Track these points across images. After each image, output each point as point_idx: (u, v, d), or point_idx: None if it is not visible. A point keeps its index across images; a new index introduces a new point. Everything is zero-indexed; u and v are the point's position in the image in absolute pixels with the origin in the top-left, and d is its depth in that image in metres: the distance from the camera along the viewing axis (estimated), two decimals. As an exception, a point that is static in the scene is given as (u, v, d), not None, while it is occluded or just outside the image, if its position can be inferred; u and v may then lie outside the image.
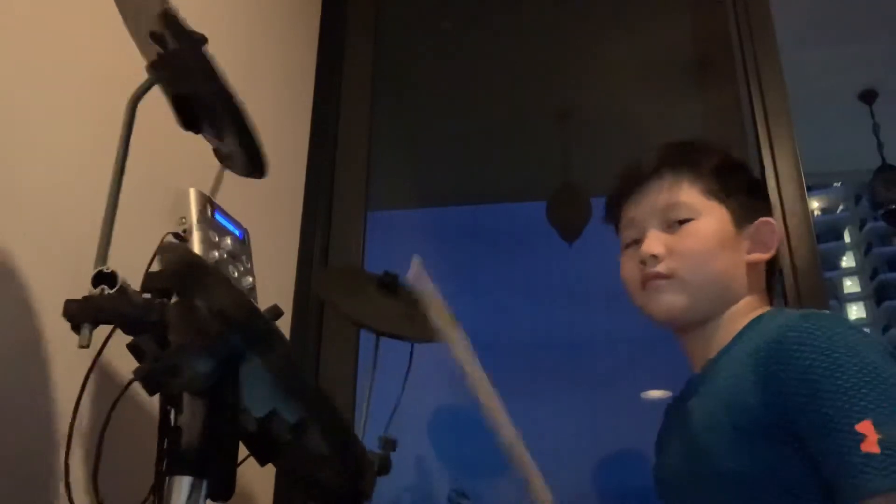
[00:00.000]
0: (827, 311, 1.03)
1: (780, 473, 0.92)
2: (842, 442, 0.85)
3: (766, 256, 1.13)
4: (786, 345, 0.93)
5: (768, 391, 0.93)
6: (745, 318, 1.08)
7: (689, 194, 1.12)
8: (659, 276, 1.10)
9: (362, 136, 2.25)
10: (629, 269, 1.16)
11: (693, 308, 1.10)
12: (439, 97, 3.05)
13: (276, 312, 0.82)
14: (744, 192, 1.15)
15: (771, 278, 1.18)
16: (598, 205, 3.08)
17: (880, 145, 3.83)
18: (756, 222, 1.13)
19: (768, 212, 1.17)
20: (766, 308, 1.12)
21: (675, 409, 1.17)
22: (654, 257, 1.10)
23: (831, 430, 0.86)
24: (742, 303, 1.11)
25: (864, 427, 0.84)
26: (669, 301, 1.10)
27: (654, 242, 1.11)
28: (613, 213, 1.23)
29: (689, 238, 1.10)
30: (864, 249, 31.09)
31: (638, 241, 1.14)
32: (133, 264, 0.91)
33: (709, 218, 1.11)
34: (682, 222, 1.11)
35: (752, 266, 1.12)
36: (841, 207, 31.75)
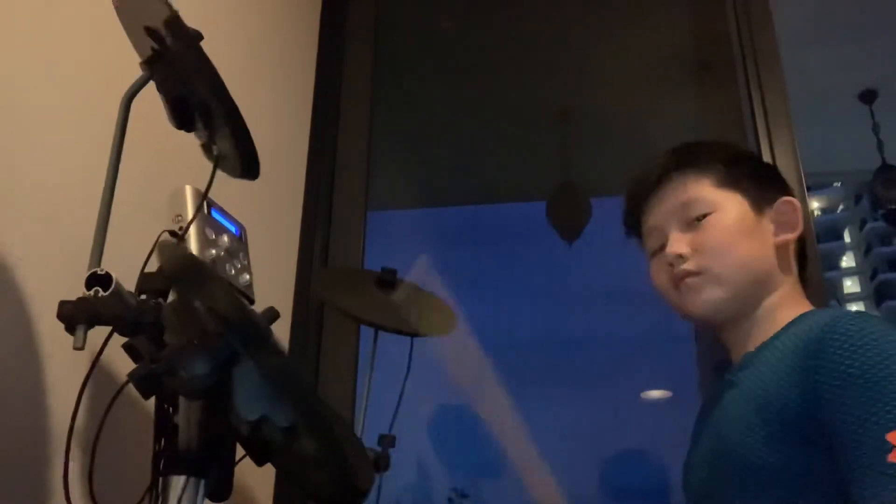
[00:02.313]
0: (876, 315, 1.01)
1: (807, 471, 0.91)
2: (869, 450, 0.84)
3: (792, 236, 1.11)
4: (826, 344, 0.91)
5: (805, 389, 0.91)
6: (789, 310, 1.06)
7: (700, 189, 1.11)
8: (689, 273, 1.08)
9: (362, 136, 2.25)
10: (659, 274, 1.14)
11: (732, 299, 1.08)
12: (439, 97, 3.05)
13: (272, 315, 0.82)
14: (756, 177, 1.13)
15: (804, 263, 1.15)
16: (598, 205, 3.10)
17: (880, 145, 3.83)
18: (776, 203, 1.12)
19: (787, 191, 1.15)
20: (805, 302, 1.11)
21: (710, 402, 1.15)
22: (681, 257, 1.09)
23: (861, 435, 0.85)
24: (781, 292, 1.09)
25: (895, 437, 0.82)
26: (707, 297, 1.08)
27: (678, 243, 1.10)
28: (634, 227, 1.21)
29: (711, 231, 1.09)
30: (864, 249, 31.06)
31: (663, 247, 1.13)
32: (130, 262, 0.91)
33: (727, 208, 1.10)
34: (700, 218, 1.10)
35: (781, 249, 1.11)
36: (841, 207, 31.71)
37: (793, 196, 1.15)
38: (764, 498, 0.94)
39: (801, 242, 1.15)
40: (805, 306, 1.09)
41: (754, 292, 1.08)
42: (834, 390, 0.88)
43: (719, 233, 1.08)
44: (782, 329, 1.04)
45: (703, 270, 1.08)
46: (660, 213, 1.14)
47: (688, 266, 1.08)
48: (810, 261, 1.18)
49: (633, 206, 1.19)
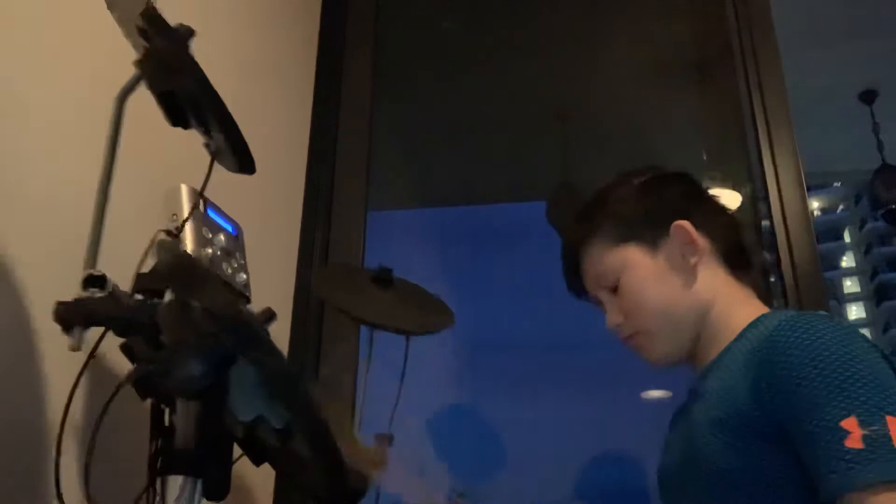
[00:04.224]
0: (820, 312, 1.04)
1: (768, 471, 0.93)
2: (826, 438, 0.86)
3: (697, 258, 1.12)
4: (774, 346, 0.94)
5: (759, 391, 0.94)
6: (739, 315, 1.08)
7: (602, 259, 1.15)
8: (629, 338, 1.15)
9: (362, 135, 2.25)
10: None
11: (676, 343, 1.13)
12: (439, 97, 3.05)
13: (268, 315, 0.82)
14: (644, 216, 1.15)
15: (738, 257, 1.16)
16: (597, 205, 3.08)
17: (880, 145, 3.83)
18: (670, 231, 1.13)
19: (686, 207, 1.15)
20: (755, 303, 1.13)
21: (679, 413, 1.19)
22: (618, 326, 1.16)
23: (816, 426, 0.87)
24: (720, 303, 1.11)
25: (849, 423, 0.85)
26: (653, 354, 1.14)
27: (610, 316, 1.17)
28: (586, 296, 1.24)
29: (626, 296, 1.13)
30: (864, 249, 31.08)
31: None
32: (127, 261, 0.91)
33: (630, 267, 1.13)
34: (616, 285, 1.14)
35: (700, 269, 1.12)
36: (841, 207, 31.73)
37: (701, 199, 1.17)
38: (732, 501, 0.96)
39: (730, 243, 1.16)
40: (757, 308, 1.11)
41: (693, 323, 1.12)
42: (785, 389, 0.91)
43: (632, 295, 1.13)
44: (739, 335, 1.06)
45: (638, 331, 1.14)
46: (588, 285, 1.20)
47: (625, 331, 1.15)
48: (749, 254, 1.19)
49: (569, 286, 1.25)
